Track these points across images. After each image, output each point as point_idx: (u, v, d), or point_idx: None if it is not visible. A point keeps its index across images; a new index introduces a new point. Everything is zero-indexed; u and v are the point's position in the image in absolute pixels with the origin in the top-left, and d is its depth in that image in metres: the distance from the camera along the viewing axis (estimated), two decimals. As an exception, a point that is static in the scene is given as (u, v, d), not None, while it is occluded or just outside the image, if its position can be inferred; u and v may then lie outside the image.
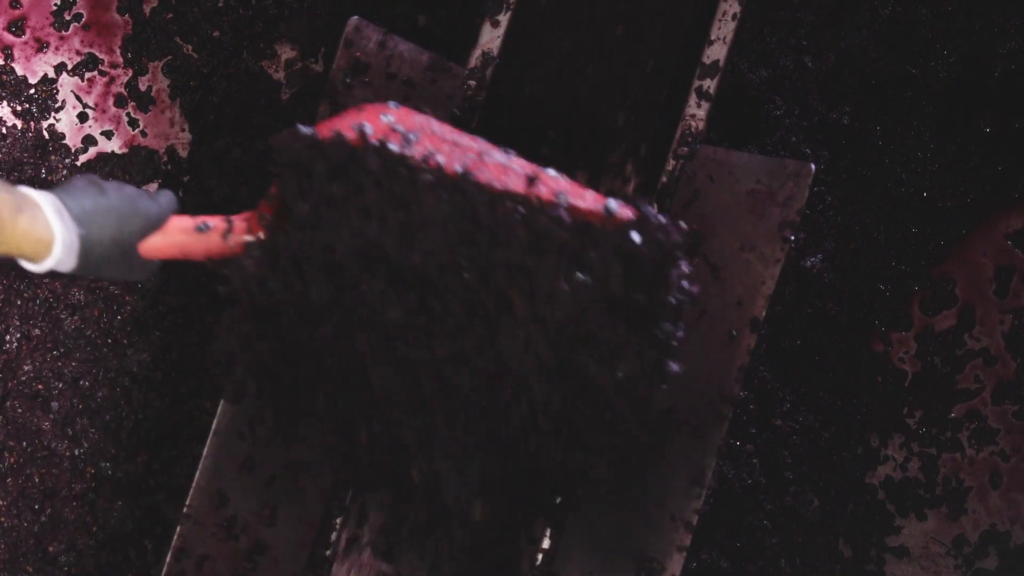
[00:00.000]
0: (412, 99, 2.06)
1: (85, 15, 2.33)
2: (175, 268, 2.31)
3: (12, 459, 2.29)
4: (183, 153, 2.34)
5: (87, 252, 1.71)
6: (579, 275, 1.76)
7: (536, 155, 1.97)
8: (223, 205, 2.33)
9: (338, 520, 2.06)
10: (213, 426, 2.05)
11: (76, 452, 2.30)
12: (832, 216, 2.40)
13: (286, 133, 1.79)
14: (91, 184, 1.75)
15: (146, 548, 2.29)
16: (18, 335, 2.29)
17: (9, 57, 2.32)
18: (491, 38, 2.08)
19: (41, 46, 2.33)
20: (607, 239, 1.76)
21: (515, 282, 1.77)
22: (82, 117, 2.33)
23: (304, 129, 1.79)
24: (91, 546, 2.29)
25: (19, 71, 2.32)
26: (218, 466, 2.04)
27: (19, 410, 2.30)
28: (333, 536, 2.07)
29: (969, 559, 2.42)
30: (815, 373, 2.41)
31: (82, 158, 2.33)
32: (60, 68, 2.32)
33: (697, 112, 2.09)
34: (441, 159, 1.78)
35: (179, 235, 1.81)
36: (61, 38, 2.32)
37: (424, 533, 1.93)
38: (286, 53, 2.35)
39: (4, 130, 2.31)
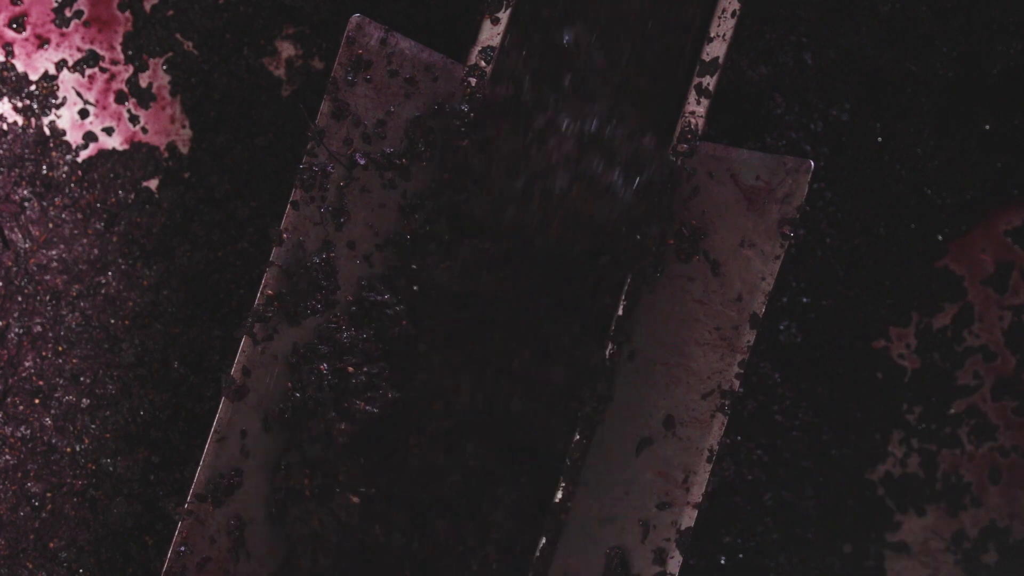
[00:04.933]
0: (414, 96, 2.07)
1: (86, 12, 2.33)
2: (175, 264, 2.31)
3: (13, 455, 2.29)
4: (184, 150, 2.35)
5: None
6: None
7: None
8: (224, 202, 2.33)
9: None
10: (214, 422, 2.05)
11: (77, 448, 2.30)
12: (832, 212, 2.40)
13: None
14: None
15: (147, 544, 2.30)
16: (19, 330, 2.30)
17: (10, 54, 2.32)
18: (491, 35, 2.08)
19: (42, 43, 2.33)
20: None
21: None
22: (83, 114, 2.33)
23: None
24: (91, 542, 2.30)
25: (20, 68, 2.32)
26: (219, 462, 2.05)
27: (20, 406, 2.30)
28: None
29: (969, 554, 2.42)
30: (815, 369, 2.41)
31: (83, 154, 2.33)
32: (61, 65, 2.33)
33: (697, 109, 2.09)
34: None
35: None
36: (62, 35, 2.33)
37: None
38: (287, 50, 2.36)
39: (5, 127, 2.31)
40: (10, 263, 2.30)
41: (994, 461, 2.43)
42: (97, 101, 2.34)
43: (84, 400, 2.31)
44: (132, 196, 2.33)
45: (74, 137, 2.33)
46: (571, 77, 2.04)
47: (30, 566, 2.29)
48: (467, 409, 2.03)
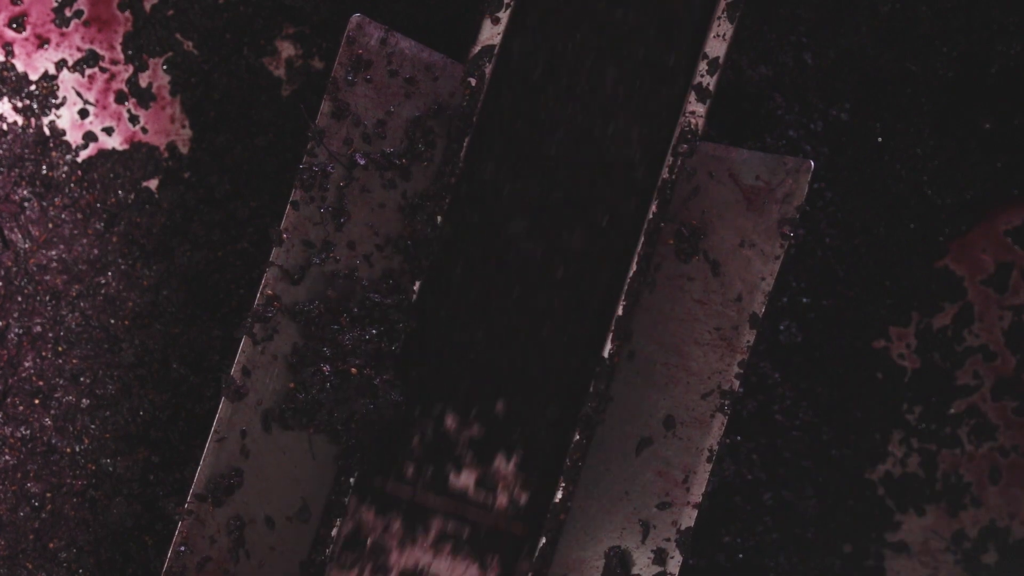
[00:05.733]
0: (414, 96, 2.07)
1: (86, 11, 2.33)
2: (175, 264, 2.31)
3: (13, 455, 2.29)
4: (184, 150, 2.35)
5: None
6: None
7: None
8: (224, 202, 2.33)
9: (336, 522, 2.07)
10: (214, 422, 2.05)
11: (76, 448, 2.30)
12: (832, 212, 2.40)
13: None
14: None
15: (147, 544, 2.30)
16: (19, 330, 2.30)
17: (10, 54, 2.32)
18: (491, 35, 2.09)
19: (42, 43, 2.33)
20: None
21: None
22: (83, 113, 2.33)
23: None
24: (91, 542, 2.30)
25: (20, 68, 2.32)
26: (219, 462, 2.05)
27: (19, 407, 2.30)
28: (333, 532, 2.07)
29: (969, 554, 2.42)
30: (815, 369, 2.41)
31: (83, 154, 2.33)
32: (61, 64, 2.33)
33: (696, 109, 2.09)
34: None
35: None
36: (62, 34, 2.33)
37: None
38: (287, 50, 2.36)
39: (5, 126, 2.31)
40: (10, 263, 2.30)
41: (994, 461, 2.43)
42: (97, 101, 2.34)
43: (84, 400, 2.31)
44: (132, 196, 2.33)
45: (74, 137, 2.33)
46: None
47: (30, 566, 2.29)
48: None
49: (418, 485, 2.09)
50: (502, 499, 2.10)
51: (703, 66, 2.09)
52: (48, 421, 2.30)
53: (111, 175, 2.33)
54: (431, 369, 2.09)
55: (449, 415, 2.09)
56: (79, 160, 2.33)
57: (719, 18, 2.10)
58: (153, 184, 2.34)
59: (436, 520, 2.10)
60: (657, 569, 2.07)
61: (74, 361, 2.31)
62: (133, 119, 2.34)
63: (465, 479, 2.10)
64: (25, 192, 2.31)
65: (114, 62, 2.34)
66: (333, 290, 2.05)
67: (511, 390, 2.09)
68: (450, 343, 2.09)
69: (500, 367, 2.09)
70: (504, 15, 2.08)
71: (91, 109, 2.34)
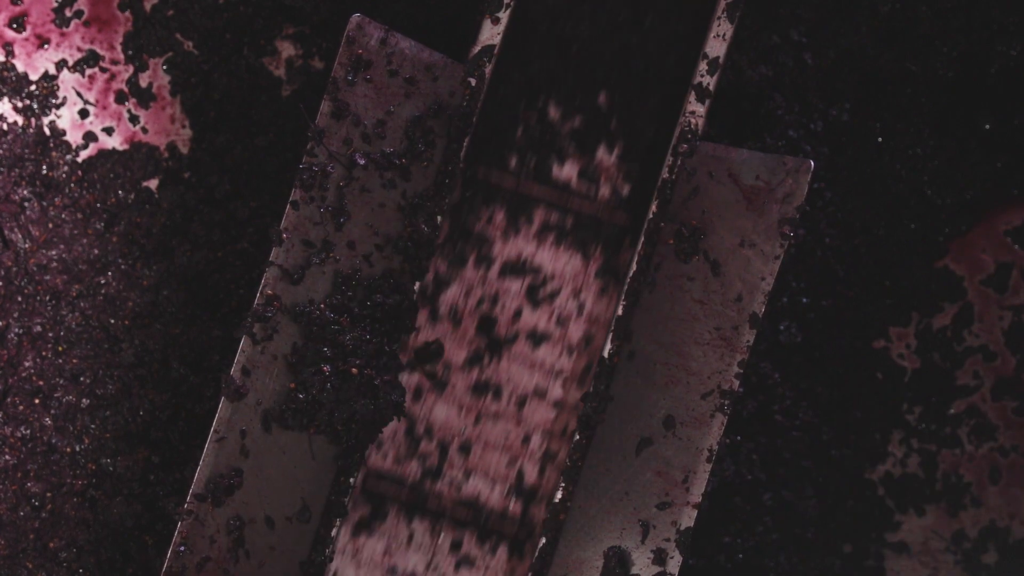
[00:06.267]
0: (414, 96, 2.07)
1: (86, 11, 2.33)
2: (175, 264, 2.31)
3: (13, 455, 2.30)
4: (184, 150, 2.35)
5: None
6: None
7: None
8: (224, 202, 2.33)
9: (336, 522, 2.07)
10: (214, 422, 2.05)
11: (77, 448, 2.30)
12: (832, 212, 2.40)
13: None
14: None
15: (147, 544, 2.30)
16: (19, 330, 2.30)
17: (10, 54, 2.32)
18: (491, 35, 2.09)
19: (42, 43, 2.33)
20: None
21: None
22: (83, 114, 2.33)
23: None
24: (91, 542, 2.30)
25: (20, 68, 2.32)
26: (219, 462, 2.05)
27: (20, 407, 2.30)
28: (333, 532, 2.08)
29: (969, 554, 2.42)
30: (815, 369, 2.41)
31: (83, 154, 2.33)
32: (61, 64, 2.33)
33: (697, 109, 2.09)
34: None
35: None
36: (62, 34, 2.33)
37: None
38: (287, 50, 2.36)
39: (5, 127, 2.31)
40: (10, 263, 2.30)
41: (994, 461, 2.43)
42: (97, 101, 2.34)
43: (84, 400, 2.31)
44: (132, 196, 2.33)
45: (74, 137, 2.33)
46: None
47: (30, 566, 2.29)
48: None
49: (521, 175, 2.07)
50: (604, 190, 2.07)
51: (703, 66, 2.09)
52: (48, 421, 2.30)
53: (111, 175, 2.33)
54: (535, 61, 2.06)
55: (552, 106, 2.08)
56: (79, 160, 2.33)
57: (719, 18, 2.10)
58: (153, 184, 2.34)
59: (539, 210, 2.08)
60: (657, 569, 2.07)
61: (74, 361, 2.31)
62: (133, 119, 2.34)
63: (568, 170, 2.08)
64: (25, 192, 2.31)
65: (114, 62, 2.34)
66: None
67: (613, 82, 2.07)
68: (553, 35, 2.07)
69: (603, 59, 2.06)
70: (504, 15, 2.08)
71: (91, 109, 2.34)
